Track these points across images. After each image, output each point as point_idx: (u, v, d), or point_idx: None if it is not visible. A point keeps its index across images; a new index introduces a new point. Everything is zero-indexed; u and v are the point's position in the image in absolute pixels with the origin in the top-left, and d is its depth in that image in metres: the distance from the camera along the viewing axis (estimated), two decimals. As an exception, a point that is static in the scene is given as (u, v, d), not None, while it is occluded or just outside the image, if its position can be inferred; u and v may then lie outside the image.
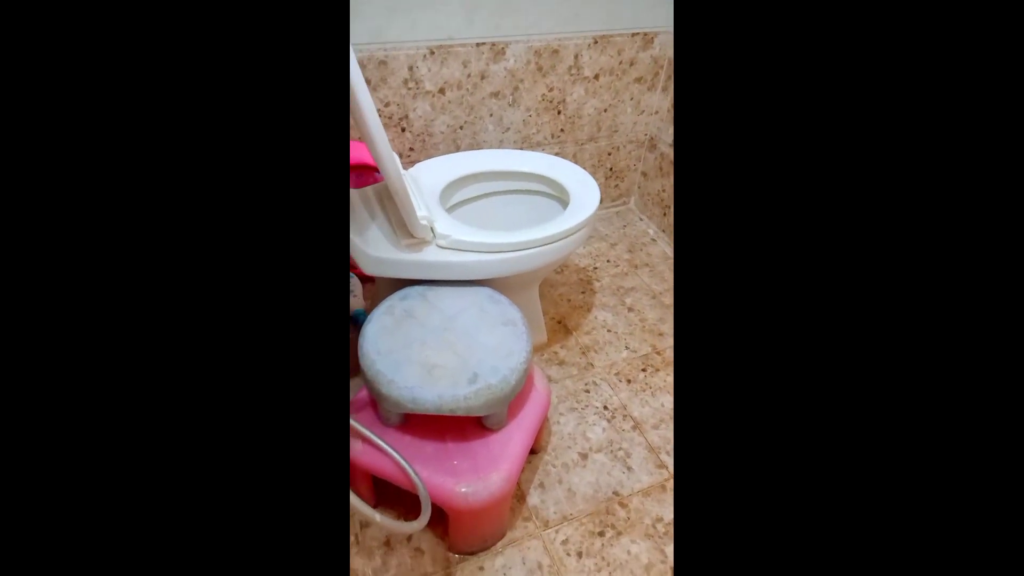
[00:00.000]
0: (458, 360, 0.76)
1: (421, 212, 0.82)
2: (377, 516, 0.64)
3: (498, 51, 1.19)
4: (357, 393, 0.86)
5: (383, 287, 0.97)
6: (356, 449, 0.78)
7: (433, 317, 0.82)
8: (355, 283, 1.22)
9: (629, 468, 0.95)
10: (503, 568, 0.81)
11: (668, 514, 0.88)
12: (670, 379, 1.11)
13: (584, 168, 1.39)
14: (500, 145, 1.33)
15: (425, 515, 0.68)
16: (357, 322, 1.15)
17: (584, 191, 0.99)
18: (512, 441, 0.79)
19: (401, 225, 0.87)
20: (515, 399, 0.84)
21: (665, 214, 1.49)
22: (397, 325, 0.80)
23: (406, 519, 0.86)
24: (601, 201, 1.58)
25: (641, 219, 1.57)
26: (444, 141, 1.27)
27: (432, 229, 0.85)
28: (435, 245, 0.86)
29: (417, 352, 0.76)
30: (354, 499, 0.60)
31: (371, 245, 0.85)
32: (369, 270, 0.86)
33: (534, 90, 1.28)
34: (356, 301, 1.19)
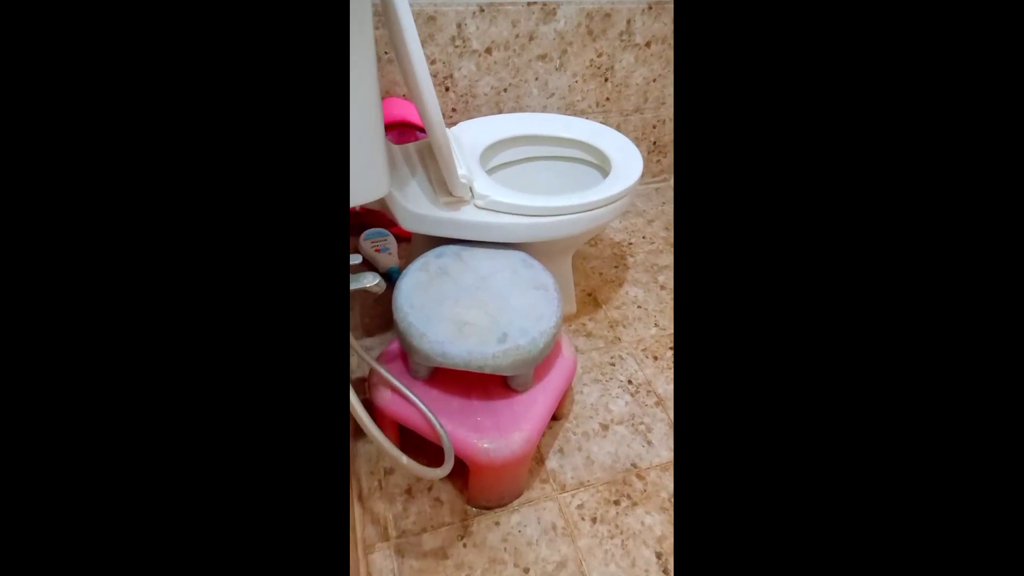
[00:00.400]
0: (489, 319, 0.76)
1: (461, 171, 0.82)
2: (403, 458, 0.66)
3: (549, 11, 1.16)
4: (389, 345, 0.88)
5: (419, 245, 0.98)
6: (385, 398, 0.80)
7: (466, 276, 0.83)
8: (391, 241, 1.23)
9: (649, 442, 0.95)
10: (518, 525, 0.83)
11: (685, 490, 0.89)
12: (698, 359, 1.10)
13: (627, 140, 1.35)
14: (543, 111, 1.31)
15: (448, 463, 0.70)
16: (391, 279, 1.18)
17: (626, 161, 0.97)
18: (536, 404, 0.80)
19: (441, 183, 0.87)
20: (542, 363, 0.85)
21: (707, 193, 1.44)
22: (431, 281, 0.81)
23: (430, 464, 0.89)
24: (642, 174, 1.54)
25: (681, 197, 1.53)
26: (487, 103, 1.25)
27: (471, 189, 0.85)
28: (473, 205, 0.86)
29: (449, 309, 0.77)
30: (382, 440, 0.63)
31: (410, 201, 0.86)
32: (407, 225, 0.87)
33: (582, 55, 1.25)
34: (391, 259, 1.21)
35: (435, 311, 0.77)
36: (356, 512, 0.83)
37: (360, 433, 0.92)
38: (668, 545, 0.82)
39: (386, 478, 0.88)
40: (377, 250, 1.20)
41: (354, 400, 0.59)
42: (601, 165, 1.03)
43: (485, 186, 0.86)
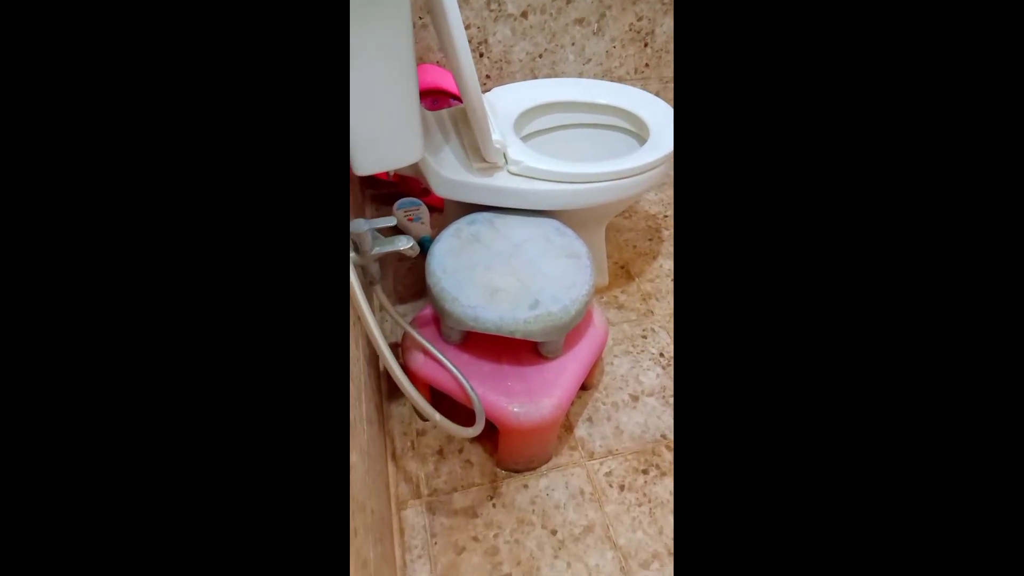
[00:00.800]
0: (520, 286, 0.76)
1: (495, 136, 0.81)
2: (436, 415, 0.68)
3: (587, -28, 1.11)
4: (422, 310, 0.90)
5: (451, 212, 0.99)
6: (417, 361, 0.82)
7: (499, 243, 0.83)
8: (424, 211, 1.24)
9: (680, 415, 0.94)
10: (546, 489, 0.85)
11: (716, 463, 0.88)
12: (733, 334, 1.08)
13: (666, 108, 1.30)
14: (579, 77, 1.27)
15: (479, 424, 0.72)
16: (424, 248, 1.19)
17: (666, 127, 0.94)
18: (566, 371, 0.80)
19: (474, 148, 0.87)
20: (572, 332, 0.84)
21: (749, 164, 1.38)
22: (463, 248, 0.82)
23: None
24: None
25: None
26: (521, 70, 1.23)
27: (505, 154, 0.84)
28: (506, 171, 0.85)
29: (481, 274, 0.78)
30: (416, 396, 0.64)
31: (444, 166, 0.86)
32: (440, 191, 0.87)
33: (621, 19, 1.20)
34: (424, 228, 1.22)
35: (467, 276, 0.77)
36: (390, 470, 0.86)
37: (393, 395, 0.95)
38: (696, 515, 0.82)
39: (418, 439, 0.90)
40: (410, 219, 1.21)
41: (389, 357, 0.60)
42: (639, 133, 1.00)
43: (519, 152, 0.85)
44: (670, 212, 1.35)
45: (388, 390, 0.96)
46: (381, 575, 0.60)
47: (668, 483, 0.85)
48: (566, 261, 0.80)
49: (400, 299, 1.13)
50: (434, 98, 1.13)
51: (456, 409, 0.91)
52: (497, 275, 0.78)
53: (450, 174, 0.85)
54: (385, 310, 0.96)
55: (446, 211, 1.05)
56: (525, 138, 1.03)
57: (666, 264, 1.22)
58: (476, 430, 0.71)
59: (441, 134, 0.92)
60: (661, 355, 1.04)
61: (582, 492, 0.84)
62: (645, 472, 0.87)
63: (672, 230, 1.30)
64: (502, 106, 0.97)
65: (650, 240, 1.28)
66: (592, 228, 1.02)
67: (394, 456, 0.88)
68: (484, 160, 0.84)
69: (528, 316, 0.73)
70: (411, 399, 0.64)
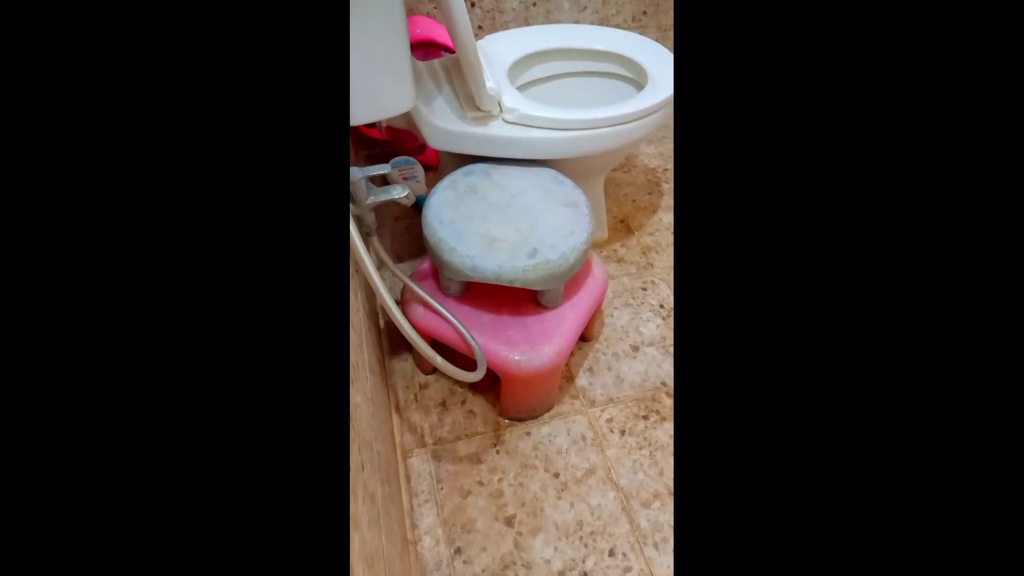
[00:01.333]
0: (519, 235, 0.76)
1: (489, 83, 0.79)
2: (438, 358, 0.69)
3: (581, -90, 1.06)
4: (420, 264, 0.90)
5: (447, 165, 0.97)
6: (417, 314, 0.82)
7: (495, 194, 0.82)
8: (418, 169, 1.22)
9: (680, 363, 0.95)
10: (548, 435, 0.86)
11: (715, 408, 0.89)
12: (733, 285, 1.08)
13: (665, 57, 1.27)
14: (574, 27, 1.24)
15: (481, 369, 0.73)
16: (419, 206, 1.18)
17: (665, 73, 0.91)
18: (566, 320, 0.81)
19: (468, 97, 0.85)
20: (571, 282, 0.84)
21: (750, 114, 1.35)
22: (460, 199, 0.81)
23: (461, 382, 0.92)
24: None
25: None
26: (515, 19, 1.19)
27: (499, 102, 0.82)
28: (501, 120, 0.84)
29: (479, 225, 0.77)
30: (418, 339, 0.65)
31: (437, 116, 0.84)
32: (434, 142, 0.86)
33: (617, -39, 1.15)
34: (419, 187, 1.20)
35: (465, 227, 0.77)
36: (394, 421, 0.87)
37: (395, 351, 0.96)
38: (695, 457, 0.84)
39: (421, 392, 0.92)
40: (405, 178, 1.20)
41: (392, 306, 0.61)
42: (637, 79, 0.98)
43: (514, 100, 0.83)
44: (670, 166, 1.33)
45: (389, 346, 0.97)
46: (388, 513, 0.62)
47: (668, 428, 0.87)
48: (564, 210, 0.80)
49: (398, 258, 1.13)
50: (425, 50, 1.10)
51: (458, 362, 0.92)
52: (494, 225, 0.77)
53: (444, 123, 0.84)
54: (384, 264, 0.96)
55: (441, 166, 1.04)
56: (520, 88, 1.01)
57: (666, 218, 1.21)
58: (479, 375, 0.72)
59: (433, 84, 0.90)
60: (661, 306, 1.04)
61: (584, 438, 0.86)
62: (645, 418, 0.88)
63: (672, 184, 1.28)
64: (496, 54, 0.95)
65: (649, 194, 1.26)
66: (590, 180, 1.01)
67: (398, 408, 0.90)
68: (478, 108, 0.82)
69: (527, 264, 0.73)
70: (412, 341, 0.65)
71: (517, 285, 0.74)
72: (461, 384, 0.92)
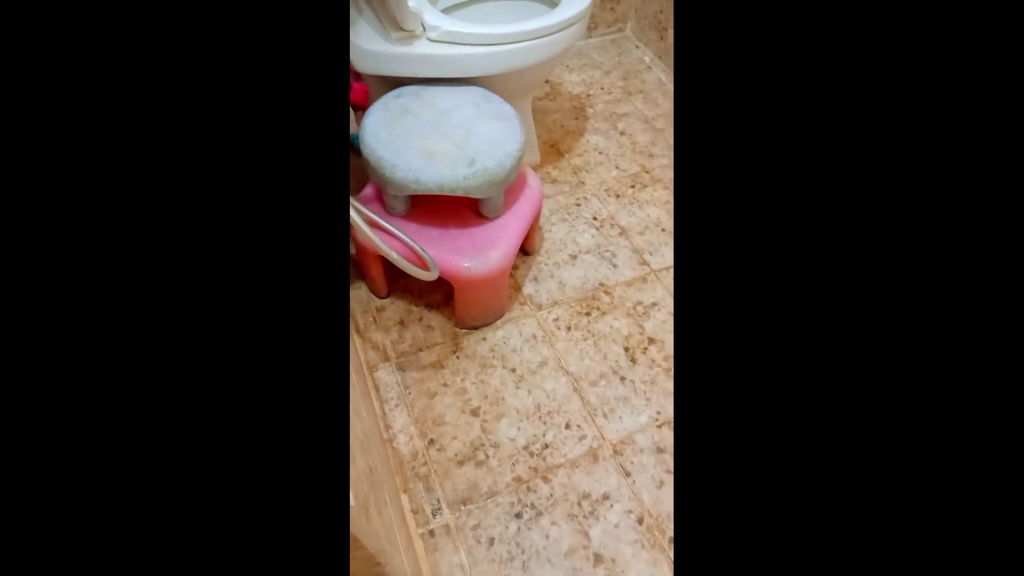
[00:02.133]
0: (456, 148, 0.80)
1: (411, 1, 0.81)
2: (393, 254, 0.73)
3: None
4: (363, 190, 0.92)
5: (376, 93, 0.98)
6: (366, 235, 0.85)
7: (428, 112, 0.85)
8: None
9: (615, 265, 1.05)
10: (503, 338, 0.94)
11: (647, 299, 1.00)
12: (657, 194, 1.18)
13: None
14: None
15: (435, 270, 0.78)
16: (354, 146, 1.18)
17: (577, -12, 0.96)
18: (508, 227, 0.87)
19: (390, 19, 0.86)
20: (510, 192, 0.90)
21: (662, 38, 1.43)
22: (394, 119, 0.84)
23: (416, 299, 0.97)
24: (597, 25, 1.51)
25: (637, 46, 1.52)
26: (428, -53, 1.18)
27: (422, 22, 0.84)
28: (425, 39, 0.86)
29: (416, 141, 0.80)
30: (378, 240, 0.69)
31: (362, 37, 0.85)
32: (361, 66, 0.87)
33: None
34: (351, 126, 1.20)
35: (403, 143, 0.80)
36: (356, 342, 0.92)
37: (351, 278, 0.99)
38: (634, 341, 0.94)
39: (379, 314, 0.96)
40: (336, 117, 1.19)
41: (353, 213, 0.64)
42: (552, 1, 1.02)
43: (436, 18, 0.85)
44: (592, 92, 1.40)
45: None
46: (359, 410, 0.68)
47: (608, 319, 0.97)
48: (496, 123, 0.84)
49: (339, 197, 1.13)
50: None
51: (410, 284, 0.97)
52: (431, 140, 0.81)
53: (368, 45, 0.85)
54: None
55: (371, 93, 1.04)
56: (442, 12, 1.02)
57: (592, 139, 1.28)
58: (433, 275, 0.78)
59: (355, 8, 0.89)
60: (594, 218, 1.13)
61: (535, 336, 0.94)
62: (588, 314, 0.98)
63: (595, 108, 1.35)
64: (413, -23, 0.95)
65: (575, 119, 1.33)
66: (517, 102, 1.05)
67: (358, 331, 0.94)
68: (401, 29, 0.84)
69: (467, 173, 0.78)
70: (373, 244, 0.68)
71: (459, 194, 0.79)
72: (417, 303, 0.97)
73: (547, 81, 1.43)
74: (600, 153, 1.25)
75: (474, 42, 0.86)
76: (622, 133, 1.30)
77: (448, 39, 0.85)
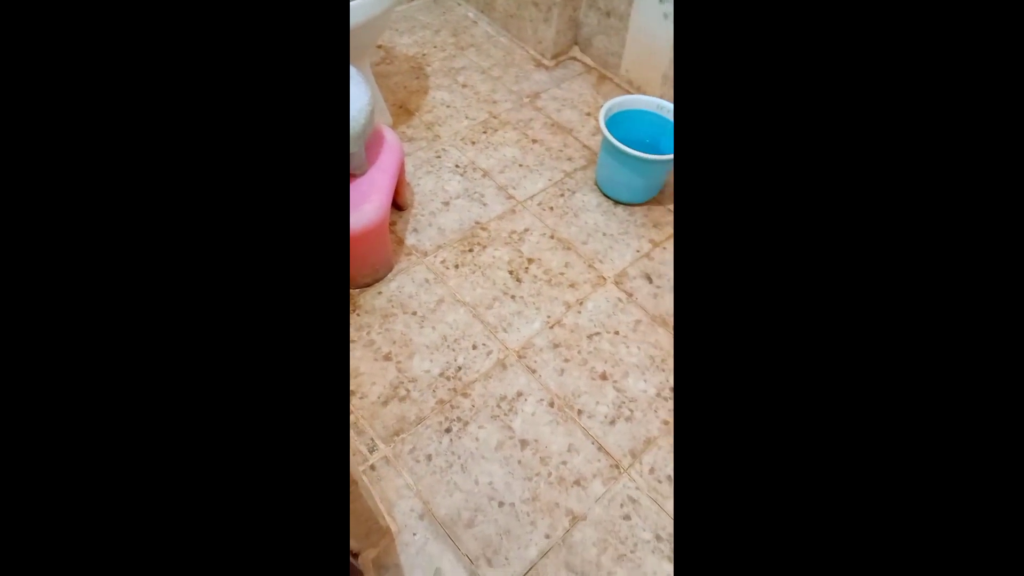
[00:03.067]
0: (305, 110, 0.81)
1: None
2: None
3: None
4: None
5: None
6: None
7: (268, 80, 0.84)
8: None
9: (485, 204, 1.14)
10: (397, 288, 0.99)
11: (519, 227, 1.11)
12: (508, 136, 1.28)
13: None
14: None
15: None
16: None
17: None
18: (376, 181, 0.91)
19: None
20: (369, 149, 0.94)
21: (480, -7, 1.52)
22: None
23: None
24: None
25: (459, 4, 1.59)
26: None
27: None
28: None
29: (262, 109, 0.80)
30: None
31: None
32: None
33: None
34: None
35: (249, 114, 0.79)
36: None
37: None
38: (516, 264, 1.05)
39: (266, 295, 0.95)
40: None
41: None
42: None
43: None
44: (427, 51, 1.45)
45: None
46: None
47: (490, 251, 1.07)
48: (340, 82, 0.86)
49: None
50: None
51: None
52: (278, 107, 0.81)
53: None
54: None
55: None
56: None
57: (437, 95, 1.34)
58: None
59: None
60: (457, 166, 1.20)
61: (427, 280, 1.01)
62: (471, 251, 1.06)
63: (433, 67, 1.41)
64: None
65: (416, 79, 1.37)
66: (355, 68, 1.07)
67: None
68: None
69: (322, 132, 0.80)
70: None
71: (320, 154, 0.81)
72: (302, 277, 0.97)
73: (380, 46, 1.44)
74: (448, 107, 1.32)
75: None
76: (464, 85, 1.37)
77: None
